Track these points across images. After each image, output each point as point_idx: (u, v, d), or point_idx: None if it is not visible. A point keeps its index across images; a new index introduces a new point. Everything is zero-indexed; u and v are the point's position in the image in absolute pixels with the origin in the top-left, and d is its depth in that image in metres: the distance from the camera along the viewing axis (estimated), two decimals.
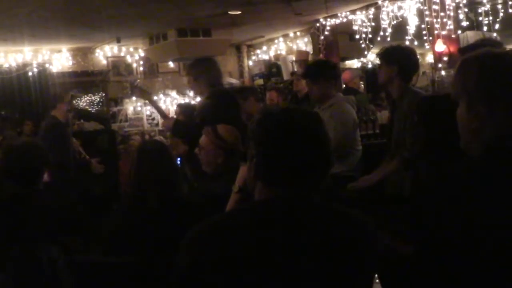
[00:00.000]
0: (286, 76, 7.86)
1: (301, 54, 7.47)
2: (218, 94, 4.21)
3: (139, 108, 8.68)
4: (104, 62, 8.43)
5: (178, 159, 4.08)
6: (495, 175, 1.34)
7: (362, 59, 8.34)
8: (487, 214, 1.28)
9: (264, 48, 8.89)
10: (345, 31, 7.24)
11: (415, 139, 3.20)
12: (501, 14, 5.97)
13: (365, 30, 6.68)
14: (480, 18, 6.07)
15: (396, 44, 3.90)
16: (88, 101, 8.48)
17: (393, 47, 3.75)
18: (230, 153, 3.15)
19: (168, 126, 4.53)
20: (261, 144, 1.53)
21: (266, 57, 8.89)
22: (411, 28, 6.15)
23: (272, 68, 8.50)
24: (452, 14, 5.80)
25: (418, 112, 2.80)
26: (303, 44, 8.14)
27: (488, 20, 6.00)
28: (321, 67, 4.39)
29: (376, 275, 1.62)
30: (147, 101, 5.58)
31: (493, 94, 1.39)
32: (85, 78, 8.33)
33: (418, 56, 3.93)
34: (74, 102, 7.81)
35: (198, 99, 7.87)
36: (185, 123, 4.49)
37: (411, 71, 3.72)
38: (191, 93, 8.68)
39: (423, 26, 6.03)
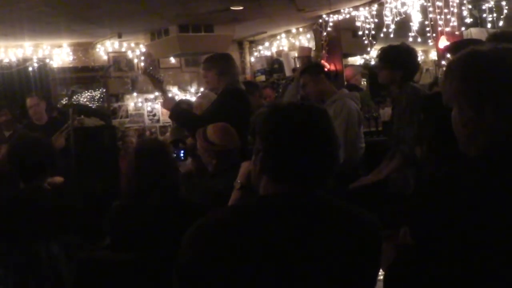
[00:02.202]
0: (288, 73, 7.81)
1: (303, 50, 7.43)
2: (231, 93, 4.12)
3: (140, 104, 8.64)
4: (105, 57, 8.37)
5: (182, 151, 4.03)
6: (491, 177, 1.32)
7: (365, 55, 8.29)
8: (483, 216, 1.27)
9: (266, 44, 8.84)
10: (348, 28, 7.20)
11: (421, 137, 3.18)
12: (505, 11, 5.94)
13: (368, 26, 6.64)
14: (484, 15, 6.05)
15: (398, 46, 3.85)
16: (88, 96, 8.43)
17: (396, 51, 3.69)
18: (222, 154, 3.13)
19: (166, 105, 4.29)
20: (268, 138, 1.52)
21: (268, 53, 8.84)
22: (415, 25, 6.12)
23: (274, 65, 8.46)
24: (455, 10, 5.79)
25: (424, 110, 2.78)
26: (306, 40, 8.10)
27: (492, 17, 5.97)
28: (306, 66, 4.48)
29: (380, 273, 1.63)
30: (157, 89, 5.42)
31: (479, 97, 1.36)
32: (85, 74, 8.27)
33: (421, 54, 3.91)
34: (74, 97, 7.84)
35: (200, 94, 7.89)
36: (185, 110, 4.41)
37: (414, 73, 3.75)
38: (193, 89, 8.66)
39: (426, 22, 6.01)
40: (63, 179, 3.94)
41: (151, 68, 7.61)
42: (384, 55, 3.69)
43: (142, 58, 8.46)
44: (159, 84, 4.62)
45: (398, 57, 3.62)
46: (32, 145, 3.17)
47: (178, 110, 4.17)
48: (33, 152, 3.10)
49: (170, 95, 5.98)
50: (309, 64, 4.58)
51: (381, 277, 1.60)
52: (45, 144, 3.29)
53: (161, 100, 6.28)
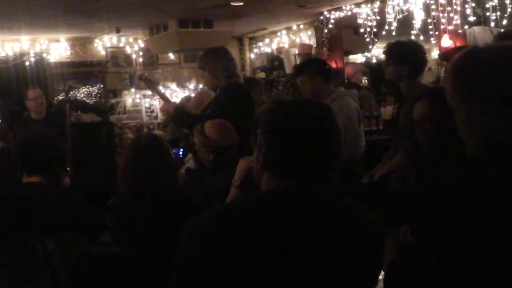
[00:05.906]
0: (288, 70, 7.77)
1: (304, 47, 7.40)
2: (232, 89, 4.03)
3: (137, 100, 8.62)
4: (103, 52, 8.34)
5: (181, 150, 4.01)
6: (484, 176, 1.34)
7: (366, 53, 8.25)
8: (483, 215, 1.28)
9: (267, 40, 8.81)
10: (350, 25, 7.18)
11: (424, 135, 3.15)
12: (509, 10, 5.89)
13: (370, 23, 6.62)
14: (488, 13, 5.99)
15: (405, 42, 3.89)
16: (86, 92, 8.42)
17: (403, 46, 3.72)
18: (219, 150, 3.11)
19: (167, 109, 4.28)
20: (271, 133, 1.52)
21: (268, 50, 8.82)
22: (417, 23, 6.09)
23: (274, 62, 8.42)
24: (459, 8, 5.77)
25: None
26: (307, 37, 8.08)
27: (496, 16, 5.92)
28: (306, 63, 4.39)
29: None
30: (153, 92, 5.39)
31: (468, 97, 1.38)
32: (83, 69, 8.26)
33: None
34: (71, 93, 7.79)
35: (198, 91, 7.83)
36: (186, 112, 4.34)
37: (421, 69, 3.74)
38: (191, 86, 8.61)
39: (429, 20, 5.99)
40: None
41: (146, 74, 7.59)
42: (390, 50, 3.73)
43: (141, 53, 8.41)
44: (155, 86, 4.56)
45: (404, 53, 3.64)
46: (42, 141, 3.13)
47: (180, 114, 4.11)
48: (41, 148, 3.06)
49: (166, 92, 5.96)
50: (307, 62, 4.53)
51: (381, 277, 1.60)
52: (55, 140, 3.26)
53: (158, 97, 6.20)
